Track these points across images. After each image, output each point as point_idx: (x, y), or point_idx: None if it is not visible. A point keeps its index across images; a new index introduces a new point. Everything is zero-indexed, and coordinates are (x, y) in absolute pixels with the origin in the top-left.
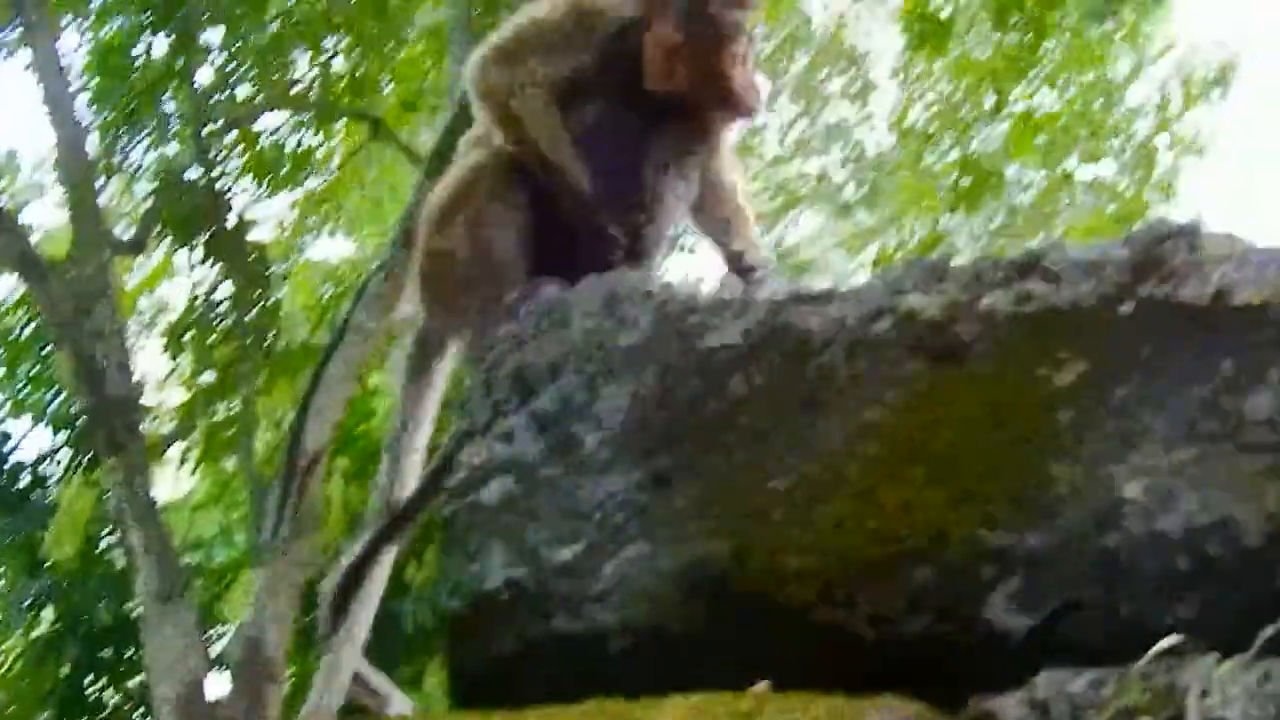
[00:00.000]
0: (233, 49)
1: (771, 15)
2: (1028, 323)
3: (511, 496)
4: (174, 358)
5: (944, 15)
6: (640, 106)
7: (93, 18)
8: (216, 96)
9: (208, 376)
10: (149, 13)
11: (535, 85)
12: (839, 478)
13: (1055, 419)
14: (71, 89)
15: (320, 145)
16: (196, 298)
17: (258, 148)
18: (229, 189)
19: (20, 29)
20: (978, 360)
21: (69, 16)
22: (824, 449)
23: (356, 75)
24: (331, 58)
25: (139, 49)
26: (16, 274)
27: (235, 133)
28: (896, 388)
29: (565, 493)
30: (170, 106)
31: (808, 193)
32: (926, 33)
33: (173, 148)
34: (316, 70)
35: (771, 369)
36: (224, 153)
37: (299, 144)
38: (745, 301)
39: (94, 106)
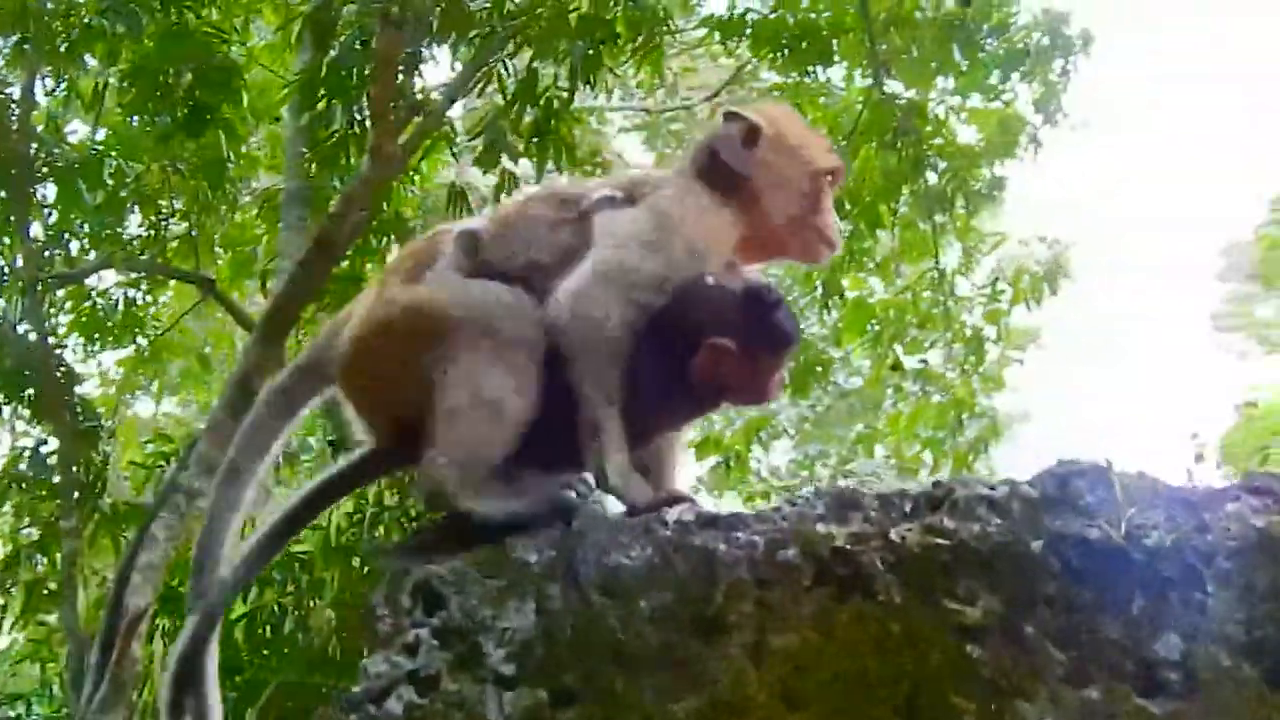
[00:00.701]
0: (66, 206)
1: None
2: (937, 556)
3: (413, 709)
4: None
5: None
6: (670, 369)
7: None
8: (49, 252)
9: (30, 530)
10: None
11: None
12: (744, 702)
13: (964, 653)
14: None
15: (151, 304)
16: (21, 451)
17: (89, 305)
18: (59, 344)
19: None
20: (887, 591)
21: None
22: (729, 673)
23: (190, 237)
24: (166, 218)
25: None
26: None
27: (65, 289)
28: (804, 615)
29: (469, 707)
30: (1, 260)
31: None
32: None
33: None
34: (150, 230)
35: (678, 591)
36: (54, 308)
37: (131, 301)
38: (654, 522)
39: None
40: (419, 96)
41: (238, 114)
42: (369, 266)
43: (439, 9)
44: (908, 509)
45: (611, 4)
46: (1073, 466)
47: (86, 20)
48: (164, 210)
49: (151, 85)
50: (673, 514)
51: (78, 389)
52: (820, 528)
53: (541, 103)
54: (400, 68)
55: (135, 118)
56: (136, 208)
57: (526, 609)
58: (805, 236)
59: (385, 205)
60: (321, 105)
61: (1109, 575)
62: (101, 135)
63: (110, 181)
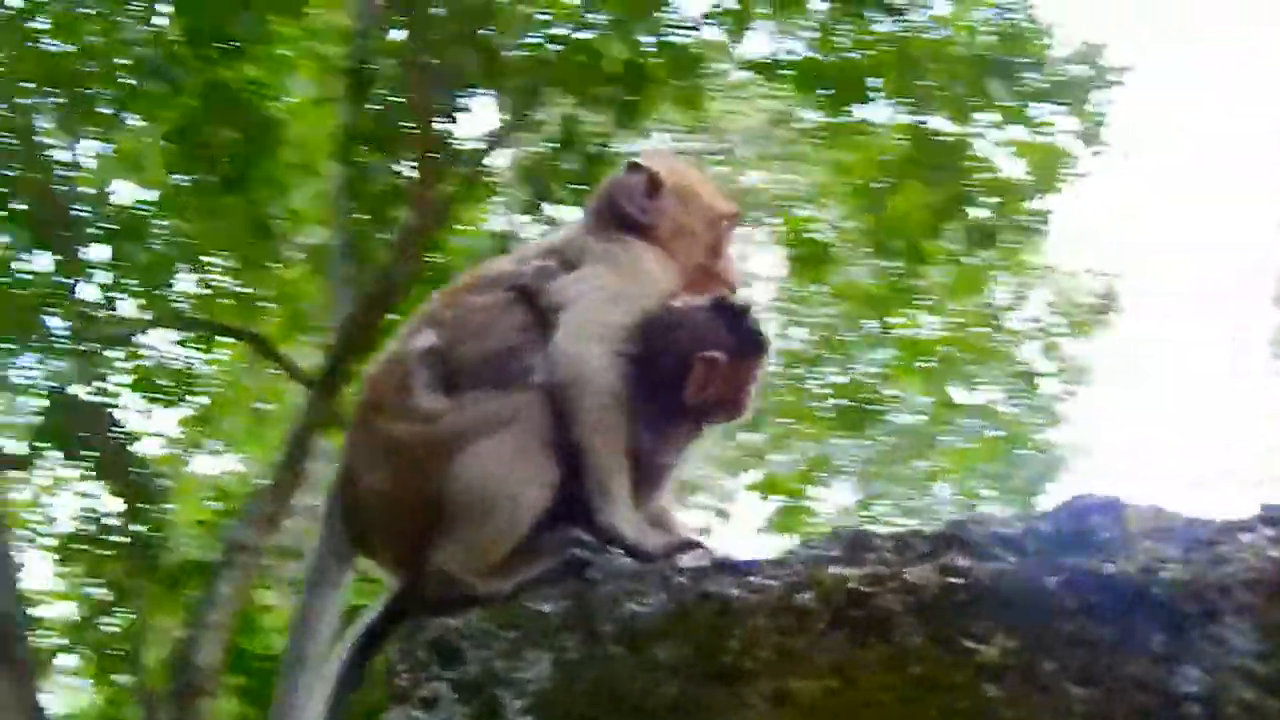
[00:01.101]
0: (115, 266)
1: None
2: (953, 596)
3: None
4: (63, 572)
5: (824, 241)
6: (662, 400)
7: None
8: (100, 313)
9: (97, 590)
10: (32, 230)
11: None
12: None
13: (982, 693)
14: None
15: (204, 362)
16: (85, 512)
17: (142, 364)
18: (116, 405)
19: None
20: (903, 633)
21: None
22: None
23: (239, 293)
24: (213, 277)
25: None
26: None
27: (120, 349)
28: (820, 659)
29: None
30: (55, 322)
31: None
32: (807, 257)
33: (58, 363)
34: (200, 288)
35: (694, 638)
36: (109, 369)
37: (185, 361)
38: (669, 570)
39: None
40: (459, 146)
41: (281, 170)
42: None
43: (475, 59)
44: (923, 549)
45: (649, 50)
46: (1087, 501)
47: (128, 81)
48: (212, 268)
49: (194, 144)
50: (687, 560)
51: (137, 448)
52: (835, 570)
53: (581, 149)
54: (438, 118)
55: (180, 176)
56: (185, 266)
57: (543, 660)
58: (707, 280)
59: (434, 255)
60: (362, 158)
61: (1127, 611)
62: (146, 194)
63: (158, 241)
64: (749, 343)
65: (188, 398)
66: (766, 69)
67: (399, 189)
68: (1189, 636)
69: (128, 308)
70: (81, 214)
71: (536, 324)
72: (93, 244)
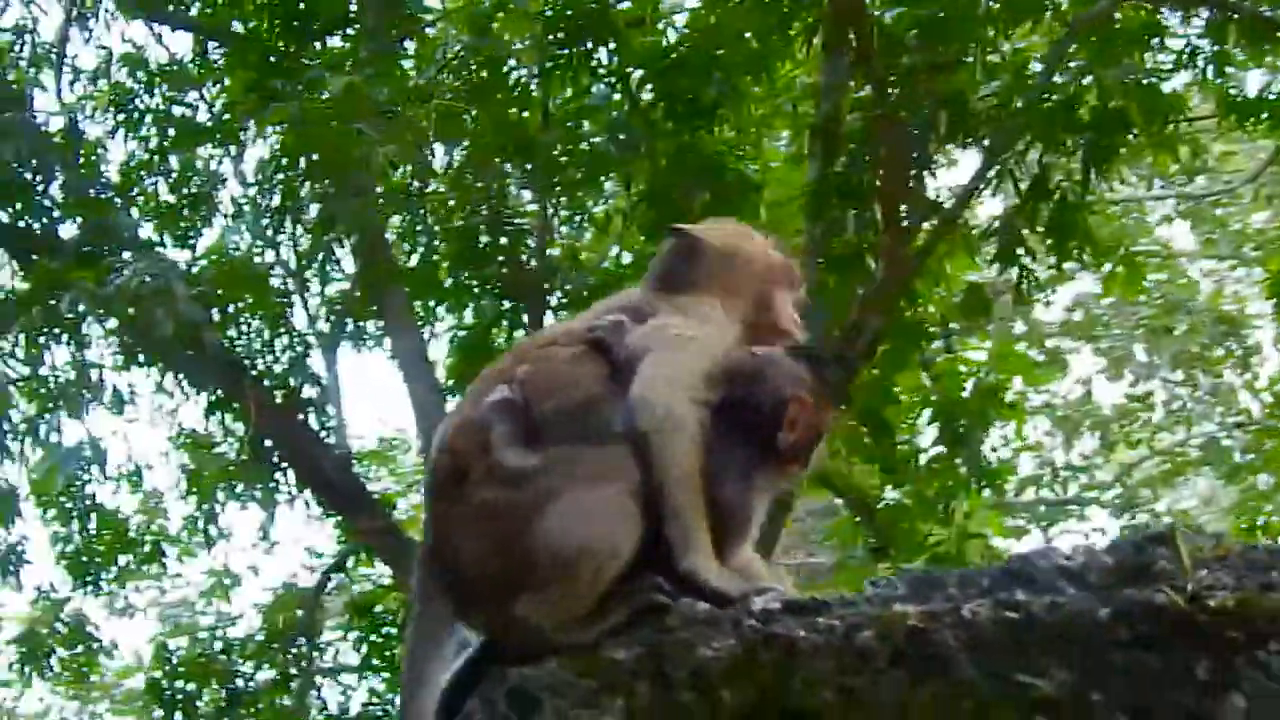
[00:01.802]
0: None
1: (1133, 290)
2: (1008, 630)
3: None
4: None
5: None
6: (746, 447)
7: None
8: None
9: None
10: (506, 301)
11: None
12: None
13: None
14: (432, 378)
15: None
16: None
17: None
18: None
19: (381, 322)
20: (959, 668)
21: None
22: None
23: None
24: None
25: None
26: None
27: None
28: (879, 698)
29: None
30: None
31: (1195, 458)
32: None
33: None
34: None
35: (759, 680)
36: None
37: None
38: (741, 614)
39: (454, 396)
40: (931, 199)
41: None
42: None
43: (944, 112)
44: (986, 584)
45: (1120, 95)
46: (1146, 533)
47: (595, 147)
48: None
49: (666, 206)
50: (759, 603)
51: None
52: (898, 608)
53: (1055, 197)
54: (909, 172)
55: (653, 239)
56: None
57: (617, 708)
58: (766, 337)
59: (907, 309)
60: (833, 213)
61: (1175, 640)
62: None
63: None
64: (829, 387)
65: None
66: (1242, 109)
67: (869, 243)
68: (1235, 664)
69: None
70: (554, 279)
71: (613, 376)
72: (564, 310)
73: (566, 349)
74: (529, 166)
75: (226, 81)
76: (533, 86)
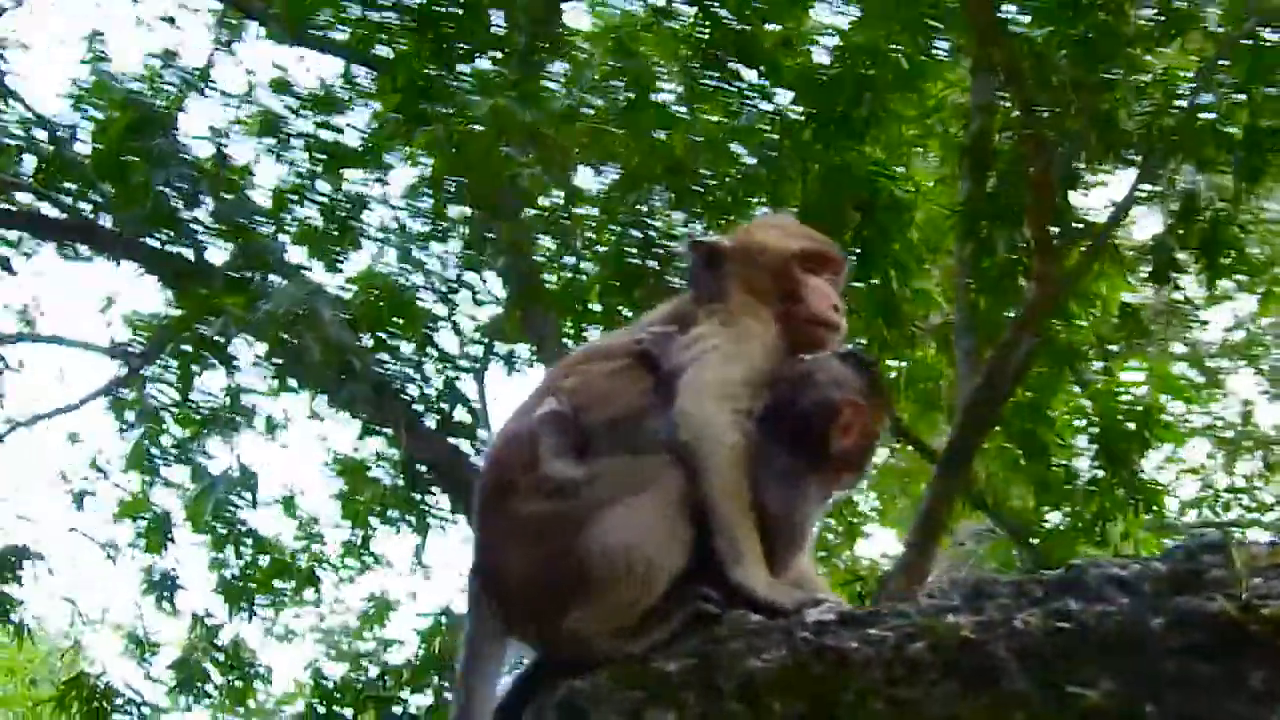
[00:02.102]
0: None
1: None
2: (1059, 640)
3: None
4: None
5: None
6: (796, 456)
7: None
8: None
9: None
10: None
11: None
12: None
13: None
14: None
15: None
16: None
17: None
18: None
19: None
20: (1010, 679)
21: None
22: None
23: None
24: None
25: None
26: None
27: None
28: (930, 710)
29: None
30: None
31: None
32: None
33: None
34: None
35: (809, 691)
36: None
37: None
38: (794, 625)
39: None
40: (1081, 218)
41: (907, 250)
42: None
43: (1094, 131)
44: (1039, 594)
45: (1271, 113)
46: (1201, 540)
47: (744, 168)
48: None
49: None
50: (813, 614)
51: None
52: (950, 619)
53: (1207, 216)
54: (1059, 191)
55: None
56: None
57: (666, 719)
58: (802, 327)
59: (1059, 328)
60: (983, 233)
61: (1228, 649)
62: None
63: None
64: (880, 391)
65: None
66: None
67: (1020, 264)
68: None
69: None
70: None
71: (659, 388)
72: None
73: (612, 362)
74: (677, 188)
75: (375, 106)
76: (678, 109)
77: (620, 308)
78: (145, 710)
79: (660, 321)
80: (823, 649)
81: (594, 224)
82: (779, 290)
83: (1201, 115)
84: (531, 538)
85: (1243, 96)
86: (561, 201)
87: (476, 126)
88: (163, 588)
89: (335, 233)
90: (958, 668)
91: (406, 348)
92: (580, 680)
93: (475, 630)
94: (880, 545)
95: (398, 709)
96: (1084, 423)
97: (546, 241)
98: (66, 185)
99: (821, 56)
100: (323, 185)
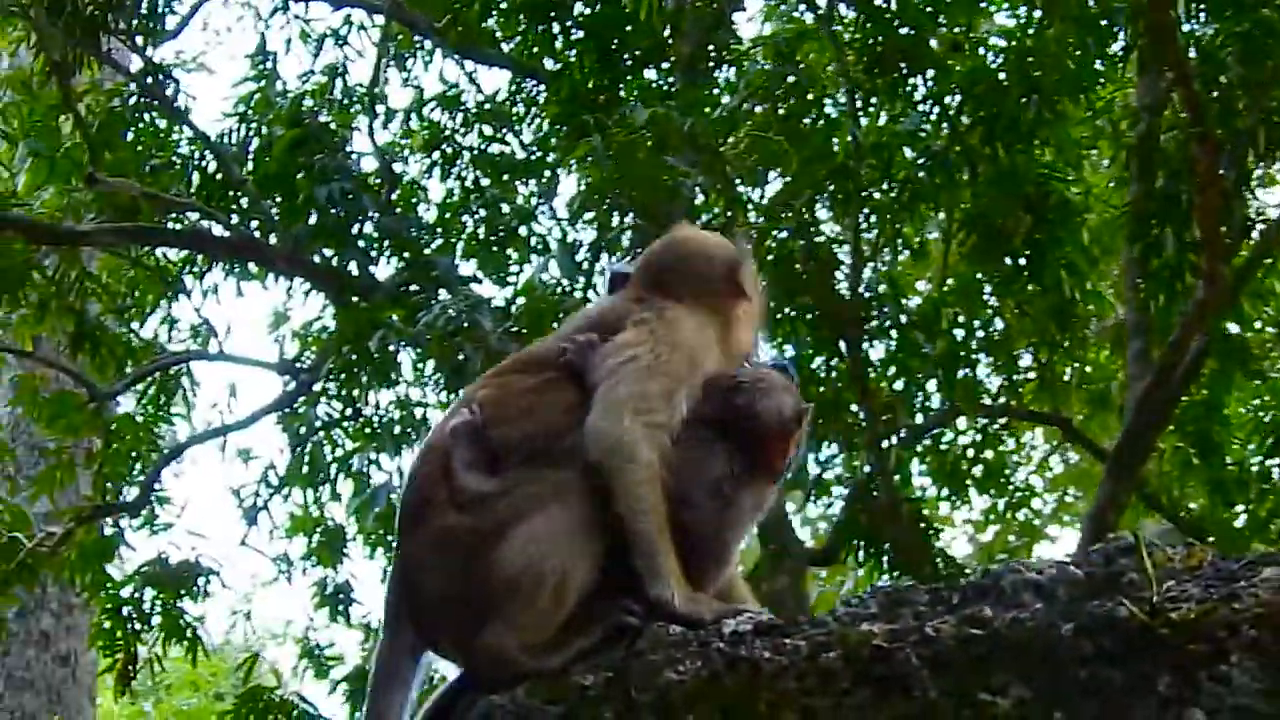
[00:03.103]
0: (904, 359)
1: None
2: (972, 648)
3: None
4: None
5: None
6: (725, 468)
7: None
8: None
9: None
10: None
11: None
12: None
13: None
14: None
15: (1009, 450)
16: None
17: (942, 454)
18: (916, 498)
19: None
20: (923, 688)
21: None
22: None
23: (1044, 379)
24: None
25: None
26: None
27: (921, 441)
28: (844, 718)
29: None
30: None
31: None
32: None
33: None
34: (1002, 376)
35: (723, 703)
36: (912, 460)
37: (991, 446)
38: (711, 636)
39: None
40: (1251, 216)
41: (1079, 252)
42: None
43: (1262, 128)
44: (955, 600)
45: None
46: (1117, 543)
47: (910, 174)
48: (1016, 354)
49: (988, 232)
50: (730, 625)
51: (941, 540)
52: (864, 627)
53: None
54: (1227, 190)
55: (973, 266)
56: (984, 354)
57: None
58: (728, 354)
59: (1231, 326)
60: (1152, 234)
61: (1137, 655)
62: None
63: (952, 331)
64: (805, 406)
65: (993, 487)
66: None
67: (1190, 263)
68: (1195, 677)
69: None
70: (869, 308)
71: (582, 403)
72: (880, 338)
73: (533, 376)
74: (841, 195)
75: (542, 119)
76: (841, 114)
77: (786, 314)
78: None
79: (588, 324)
80: (737, 660)
81: (757, 231)
82: (725, 315)
83: None
84: (445, 551)
85: None
86: (723, 210)
87: (638, 135)
88: (336, 601)
89: (499, 246)
90: (869, 677)
91: None
92: (498, 696)
93: (388, 645)
94: (1066, 546)
95: None
96: (1259, 420)
97: None
98: (234, 204)
99: (991, 59)
100: (489, 198)
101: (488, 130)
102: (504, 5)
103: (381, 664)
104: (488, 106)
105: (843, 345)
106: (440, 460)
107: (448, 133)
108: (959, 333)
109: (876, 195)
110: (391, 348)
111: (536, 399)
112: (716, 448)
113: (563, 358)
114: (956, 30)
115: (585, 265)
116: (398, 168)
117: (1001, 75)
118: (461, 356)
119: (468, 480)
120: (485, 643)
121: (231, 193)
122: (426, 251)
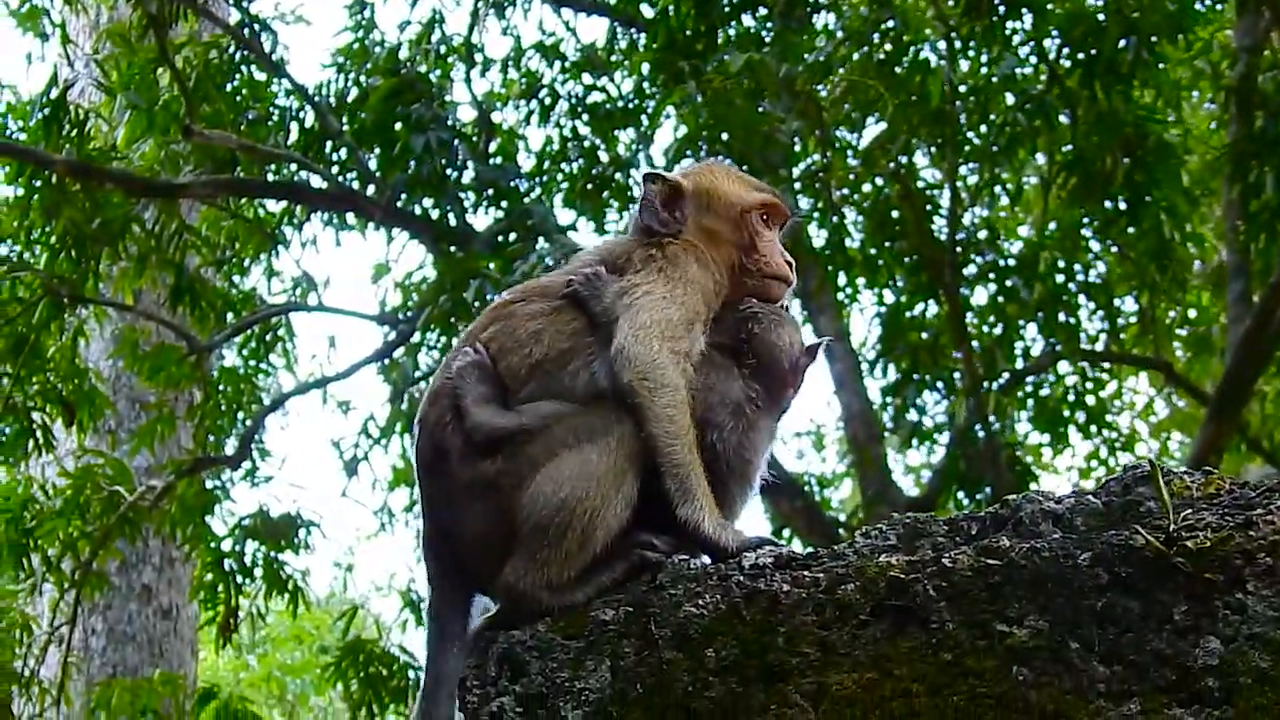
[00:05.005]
0: (1005, 304)
1: None
2: (987, 578)
3: None
4: None
5: None
6: (749, 395)
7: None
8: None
9: None
10: (919, 272)
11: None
12: None
13: (1011, 677)
14: (853, 356)
15: (1110, 394)
16: None
17: (1045, 398)
18: (1016, 443)
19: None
20: (940, 619)
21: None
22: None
23: (1145, 322)
24: (1119, 308)
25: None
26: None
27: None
28: (859, 652)
29: None
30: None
31: None
32: None
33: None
34: (1104, 320)
35: (742, 637)
36: (1010, 406)
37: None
38: (731, 569)
39: (873, 370)
40: None
41: (1178, 194)
42: None
43: None
44: (974, 531)
45: None
46: (1135, 473)
47: (1008, 117)
48: (1114, 299)
49: (1088, 175)
50: (750, 558)
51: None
52: (883, 559)
53: None
54: None
55: (1076, 209)
56: (1085, 298)
57: (602, 669)
58: (752, 279)
59: None
60: (1252, 176)
61: (1154, 584)
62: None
63: (1052, 275)
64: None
65: (1096, 432)
66: None
67: None
68: (1211, 605)
69: (1021, 346)
70: (968, 252)
71: (589, 329)
72: (979, 283)
73: (537, 303)
74: (939, 140)
75: (639, 67)
76: (934, 59)
77: (884, 260)
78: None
79: (593, 260)
80: (755, 593)
81: (854, 176)
82: (736, 239)
83: None
84: (475, 497)
85: None
86: (821, 156)
87: (734, 82)
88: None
89: (597, 194)
90: (886, 609)
91: None
92: (520, 631)
93: (436, 602)
94: None
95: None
96: None
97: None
98: (332, 155)
99: (1089, 1)
100: (587, 146)
101: (585, 79)
102: None
103: (432, 621)
104: (585, 55)
105: (941, 291)
106: (449, 402)
107: (545, 81)
108: (1059, 277)
109: (974, 140)
110: (489, 297)
111: (545, 323)
112: (735, 371)
113: (569, 288)
114: None
115: None
116: (495, 117)
117: (1100, 17)
118: None
119: (481, 416)
120: (511, 582)
121: (329, 144)
122: (524, 201)
